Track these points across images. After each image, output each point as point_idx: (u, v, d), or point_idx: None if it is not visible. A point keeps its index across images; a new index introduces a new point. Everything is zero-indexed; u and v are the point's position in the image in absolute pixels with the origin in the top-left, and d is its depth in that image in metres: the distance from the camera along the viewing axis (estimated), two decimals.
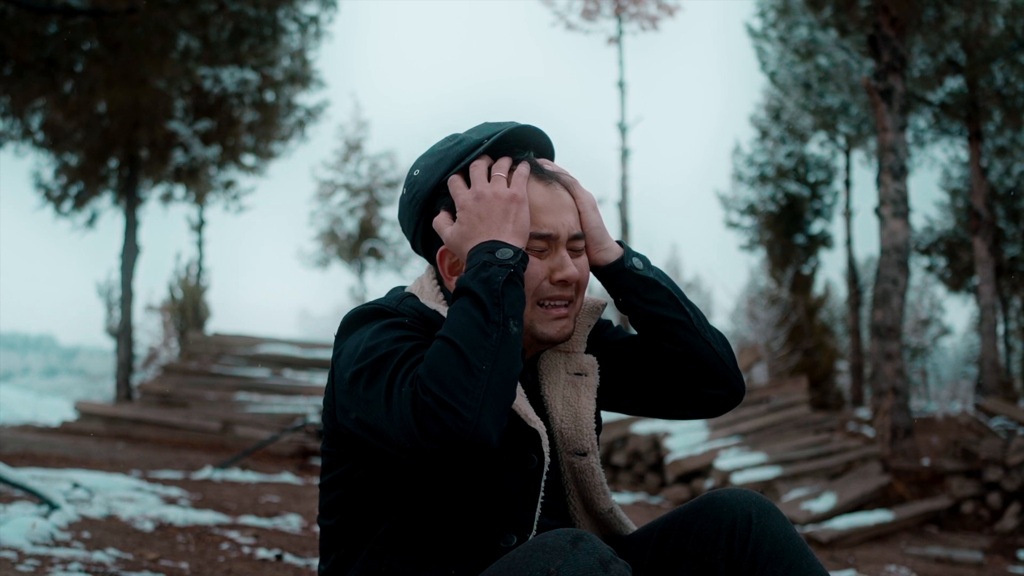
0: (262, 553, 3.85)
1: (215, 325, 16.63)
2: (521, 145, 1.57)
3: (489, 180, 1.49)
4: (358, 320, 1.49)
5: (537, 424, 1.48)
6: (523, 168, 1.51)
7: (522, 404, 1.48)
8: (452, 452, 1.28)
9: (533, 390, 1.61)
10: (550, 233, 1.50)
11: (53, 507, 4.02)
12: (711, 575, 1.48)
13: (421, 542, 1.46)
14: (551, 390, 1.62)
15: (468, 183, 1.51)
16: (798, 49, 15.62)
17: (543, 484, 1.50)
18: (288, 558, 3.81)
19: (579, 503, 1.63)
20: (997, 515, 8.39)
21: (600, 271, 1.59)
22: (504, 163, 1.51)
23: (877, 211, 10.02)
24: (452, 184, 1.51)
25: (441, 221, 1.51)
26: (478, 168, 1.50)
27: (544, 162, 1.59)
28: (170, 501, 4.99)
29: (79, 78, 10.54)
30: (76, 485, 4.79)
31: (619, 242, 1.61)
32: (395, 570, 1.45)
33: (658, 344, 1.60)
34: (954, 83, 14.90)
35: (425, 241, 1.60)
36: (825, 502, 7.56)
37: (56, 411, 17.99)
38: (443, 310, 1.51)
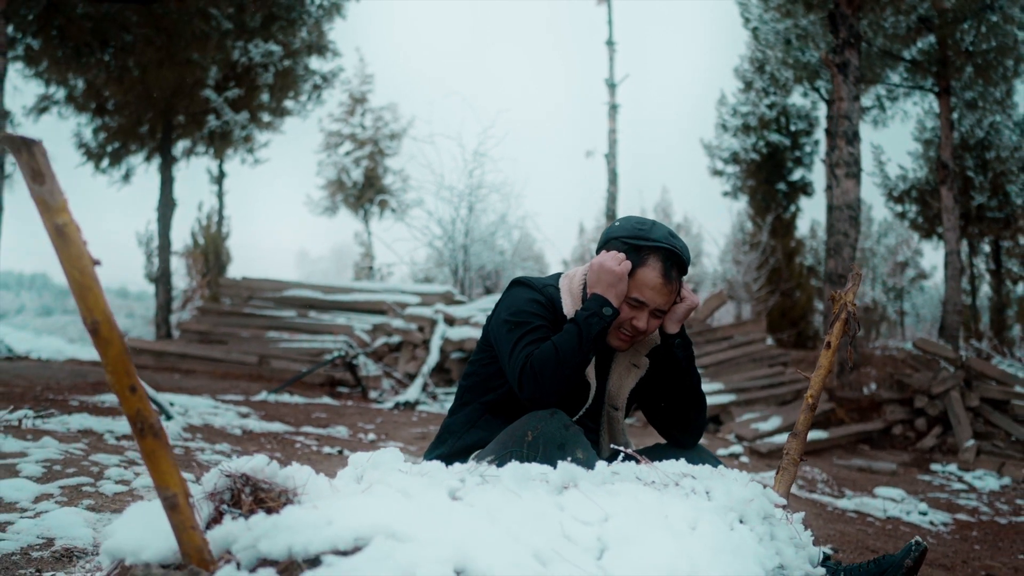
0: (326, 450, 5.20)
1: (235, 269, 17.77)
2: (675, 257, 2.36)
3: (612, 255, 2.35)
4: (522, 284, 2.44)
5: (592, 381, 2.36)
6: (627, 263, 2.33)
7: (590, 367, 2.34)
8: (528, 401, 2.21)
9: (606, 359, 2.47)
10: (644, 302, 2.35)
11: (168, 417, 5.34)
12: None
13: (504, 414, 2.35)
14: (616, 364, 2.48)
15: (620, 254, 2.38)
16: (780, 6, 16.44)
17: (581, 414, 2.39)
18: (347, 453, 5.17)
19: (606, 437, 2.49)
20: (921, 436, 9.63)
21: (662, 333, 2.46)
22: (623, 255, 2.35)
23: (832, 171, 11.23)
24: (606, 248, 2.40)
25: (599, 258, 2.38)
26: (612, 249, 2.38)
27: (681, 274, 2.41)
28: (244, 416, 6.32)
29: (130, 57, 11.55)
30: (171, 404, 6.12)
31: (683, 326, 2.47)
32: (483, 421, 2.38)
33: (666, 381, 2.48)
34: (927, 40, 15.74)
35: None
36: (771, 423, 8.76)
37: (57, 349, 18.74)
38: (568, 301, 2.40)
